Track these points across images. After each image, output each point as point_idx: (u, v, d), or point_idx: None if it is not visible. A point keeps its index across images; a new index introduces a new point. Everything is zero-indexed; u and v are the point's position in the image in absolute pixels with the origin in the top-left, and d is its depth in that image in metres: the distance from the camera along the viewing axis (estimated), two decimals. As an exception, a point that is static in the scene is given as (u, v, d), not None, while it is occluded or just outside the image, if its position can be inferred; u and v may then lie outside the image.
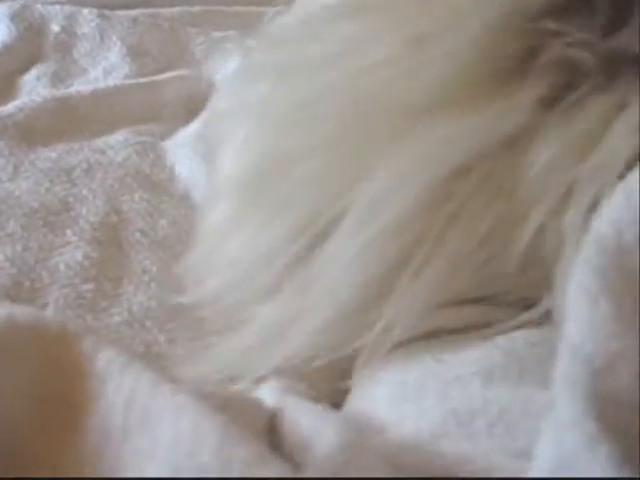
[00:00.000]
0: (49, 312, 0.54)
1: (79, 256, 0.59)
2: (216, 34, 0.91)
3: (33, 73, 0.82)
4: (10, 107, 0.74)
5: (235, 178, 0.53)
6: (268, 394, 0.41)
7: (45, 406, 0.33)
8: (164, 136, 0.74)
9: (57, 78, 0.82)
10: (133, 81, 0.80)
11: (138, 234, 0.63)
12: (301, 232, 0.46)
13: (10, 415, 0.33)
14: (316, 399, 0.41)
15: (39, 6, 0.89)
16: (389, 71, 0.48)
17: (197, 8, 0.98)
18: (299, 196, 0.47)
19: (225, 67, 0.84)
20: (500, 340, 0.42)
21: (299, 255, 0.47)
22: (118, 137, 0.72)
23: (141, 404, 0.32)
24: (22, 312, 0.35)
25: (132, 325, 0.55)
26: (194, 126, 0.75)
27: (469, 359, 0.41)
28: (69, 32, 0.87)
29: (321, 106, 0.50)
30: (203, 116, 0.76)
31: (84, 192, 0.65)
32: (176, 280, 0.59)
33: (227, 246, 0.51)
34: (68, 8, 0.90)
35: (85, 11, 0.89)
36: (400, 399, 0.41)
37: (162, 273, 0.60)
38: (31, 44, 0.85)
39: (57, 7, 0.90)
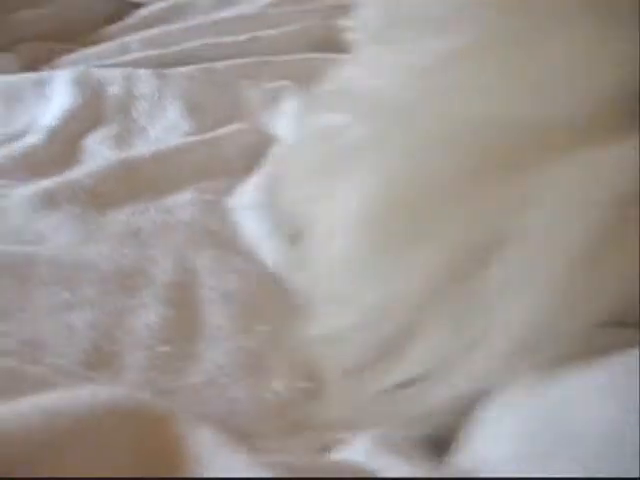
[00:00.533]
0: (129, 375, 0.56)
1: (154, 318, 0.61)
2: (269, 85, 0.93)
3: (96, 136, 0.85)
4: (78, 173, 0.76)
5: (358, 212, 0.53)
6: (362, 451, 0.41)
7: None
8: (227, 192, 0.75)
9: (119, 139, 0.84)
10: (192, 139, 0.82)
11: (209, 291, 0.64)
12: (452, 265, 0.47)
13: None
14: (413, 448, 0.42)
15: (98, 70, 0.92)
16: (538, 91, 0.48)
17: (248, 60, 1.00)
18: (444, 229, 0.48)
19: (280, 118, 0.86)
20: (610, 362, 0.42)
21: (451, 289, 0.47)
22: (183, 196, 0.74)
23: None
24: (121, 395, 0.36)
25: (210, 384, 0.56)
26: (255, 180, 0.76)
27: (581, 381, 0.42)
28: (128, 93, 0.89)
29: (457, 134, 0.50)
30: (263, 169, 0.78)
31: (154, 253, 0.67)
32: (249, 334, 0.60)
33: (358, 284, 0.51)
34: (126, 70, 0.93)
35: (142, 72, 0.92)
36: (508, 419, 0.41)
37: (234, 328, 0.61)
38: (93, 108, 0.88)
39: (115, 70, 0.93)
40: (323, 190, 0.61)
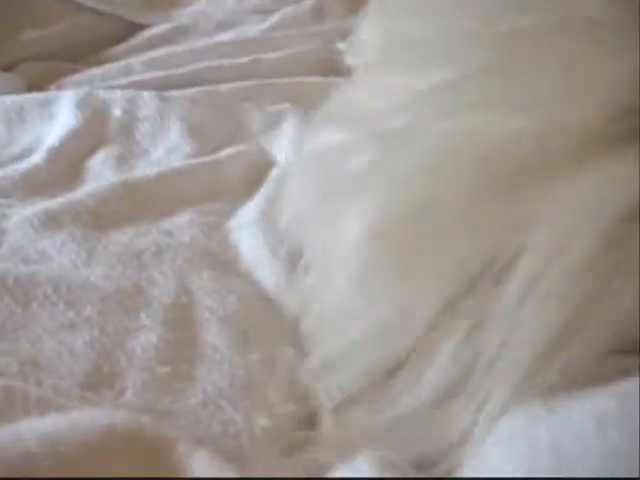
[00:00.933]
0: (128, 396, 0.57)
1: (154, 339, 0.62)
2: (270, 108, 0.94)
3: (99, 157, 0.86)
4: (80, 194, 0.77)
5: (359, 242, 0.53)
6: (363, 470, 0.42)
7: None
8: (227, 214, 0.77)
9: (122, 160, 0.85)
10: (194, 161, 0.83)
11: (207, 313, 0.65)
12: (459, 289, 0.48)
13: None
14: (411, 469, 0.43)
15: (102, 92, 0.93)
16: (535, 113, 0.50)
17: (250, 82, 1.01)
18: (449, 252, 0.48)
19: (280, 141, 0.87)
20: (614, 389, 0.43)
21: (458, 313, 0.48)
22: (184, 218, 0.75)
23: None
24: (121, 419, 0.37)
25: (207, 406, 0.57)
26: (255, 203, 0.77)
27: (582, 408, 0.42)
28: (131, 115, 0.90)
29: (453, 156, 0.52)
30: (262, 191, 0.79)
31: (155, 274, 0.68)
32: (246, 357, 0.61)
33: (367, 301, 0.52)
34: (129, 92, 0.94)
35: (145, 94, 0.93)
36: (510, 449, 0.42)
37: (232, 351, 0.62)
38: (96, 129, 0.89)
39: (118, 92, 0.94)
40: (321, 214, 0.62)
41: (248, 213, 0.76)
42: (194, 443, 0.38)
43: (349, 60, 0.88)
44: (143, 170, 0.82)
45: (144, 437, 0.37)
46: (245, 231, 0.73)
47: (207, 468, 0.36)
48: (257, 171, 0.82)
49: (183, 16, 1.17)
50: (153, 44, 1.11)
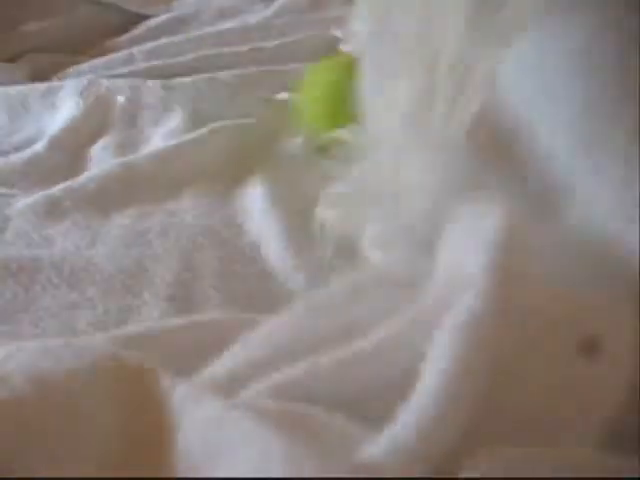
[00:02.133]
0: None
1: (155, 314, 0.62)
2: (270, 94, 0.95)
3: (101, 144, 0.86)
4: (82, 179, 0.78)
5: None
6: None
7: (132, 445, 0.36)
8: (230, 193, 0.77)
9: (124, 147, 0.86)
10: (196, 142, 0.84)
11: (211, 290, 0.66)
12: None
13: (100, 450, 0.35)
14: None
15: (104, 80, 0.94)
16: None
17: (251, 69, 1.02)
18: None
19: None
20: None
21: None
22: (187, 198, 0.76)
23: (213, 436, 0.34)
24: (103, 353, 0.37)
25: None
26: (258, 185, 0.78)
27: None
28: (134, 103, 0.91)
29: None
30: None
31: (159, 252, 0.69)
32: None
33: None
34: (131, 80, 0.95)
35: (149, 82, 0.94)
36: None
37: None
38: (98, 117, 0.89)
39: (121, 80, 0.94)
40: None
41: (251, 193, 0.76)
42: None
43: (345, 48, 0.89)
44: (143, 152, 0.83)
45: (127, 370, 0.37)
46: (249, 209, 0.74)
47: (188, 397, 0.37)
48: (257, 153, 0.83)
49: (184, 6, 1.18)
50: (155, 34, 1.12)
